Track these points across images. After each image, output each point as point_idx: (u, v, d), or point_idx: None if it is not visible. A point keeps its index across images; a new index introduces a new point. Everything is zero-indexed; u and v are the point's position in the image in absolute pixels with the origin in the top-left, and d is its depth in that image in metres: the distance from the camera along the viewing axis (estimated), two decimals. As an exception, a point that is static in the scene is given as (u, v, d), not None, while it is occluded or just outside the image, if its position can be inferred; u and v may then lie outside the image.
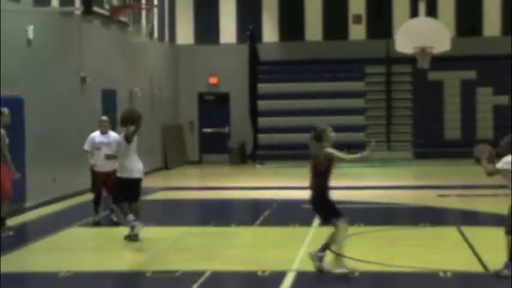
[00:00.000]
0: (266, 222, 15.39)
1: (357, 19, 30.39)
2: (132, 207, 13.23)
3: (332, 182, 10.30)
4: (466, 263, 11.06)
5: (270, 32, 30.77)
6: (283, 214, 16.60)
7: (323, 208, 10.40)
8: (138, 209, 13.31)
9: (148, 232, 14.09)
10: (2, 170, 13.74)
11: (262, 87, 30.05)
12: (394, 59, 28.97)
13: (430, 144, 28.75)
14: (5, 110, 14.22)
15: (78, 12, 19.73)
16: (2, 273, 10.63)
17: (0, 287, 9.97)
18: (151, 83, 26.84)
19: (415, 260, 11.28)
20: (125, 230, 13.44)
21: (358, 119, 29.36)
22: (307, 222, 14.84)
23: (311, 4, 30.53)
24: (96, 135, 15.08)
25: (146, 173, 25.37)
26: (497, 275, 10.06)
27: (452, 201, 18.16)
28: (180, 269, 10.82)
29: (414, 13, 28.16)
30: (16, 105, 16.33)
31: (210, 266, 10.98)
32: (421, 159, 28.24)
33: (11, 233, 14.02)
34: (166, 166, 27.73)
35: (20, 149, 15.75)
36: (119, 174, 13.45)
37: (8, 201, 13.98)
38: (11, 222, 14.51)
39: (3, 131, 13.83)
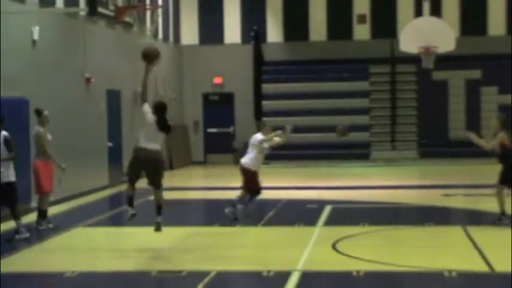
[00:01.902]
0: (271, 222, 15.39)
1: (362, 19, 30.39)
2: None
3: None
4: (471, 263, 11.05)
5: (274, 32, 30.77)
6: (288, 214, 16.59)
7: None
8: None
9: (153, 232, 14.12)
10: (40, 166, 14.28)
11: (267, 87, 30.07)
12: (399, 59, 28.96)
13: (434, 144, 28.73)
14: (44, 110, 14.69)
15: (83, 13, 19.77)
16: (8, 274, 10.66)
17: (0, 287, 10.00)
18: (156, 83, 26.82)
19: (420, 260, 11.28)
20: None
21: (363, 119, 29.35)
22: (312, 222, 14.86)
23: (315, 4, 30.53)
24: (260, 136, 15.82)
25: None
26: None
27: (458, 201, 18.14)
28: (185, 268, 10.84)
29: (419, 13, 28.12)
30: (21, 106, 16.36)
31: (215, 266, 11.00)
32: (425, 159, 28.23)
33: (50, 225, 14.43)
34: (171, 166, 27.74)
35: (25, 150, 15.75)
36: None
37: (47, 195, 14.51)
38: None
39: (42, 129, 14.31)
